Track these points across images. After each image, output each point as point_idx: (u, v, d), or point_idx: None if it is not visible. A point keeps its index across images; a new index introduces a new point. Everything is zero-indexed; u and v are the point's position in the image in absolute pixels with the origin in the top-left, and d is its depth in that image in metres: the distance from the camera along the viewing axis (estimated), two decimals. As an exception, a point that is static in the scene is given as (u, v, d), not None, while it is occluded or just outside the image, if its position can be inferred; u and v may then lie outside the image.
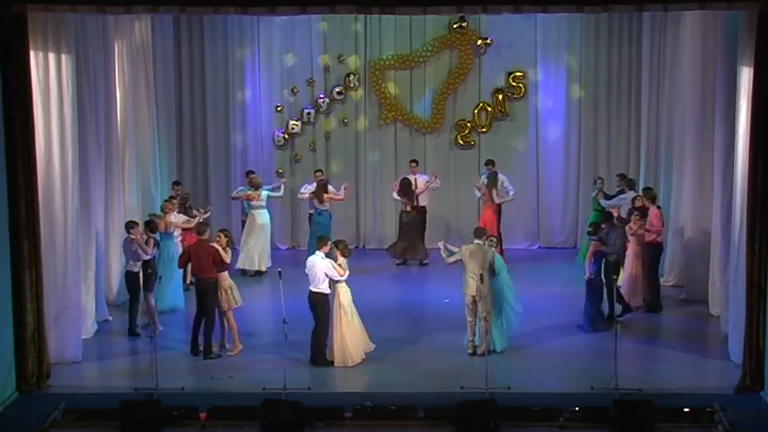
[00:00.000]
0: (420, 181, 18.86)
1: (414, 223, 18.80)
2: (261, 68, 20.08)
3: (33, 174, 12.18)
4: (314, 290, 13.21)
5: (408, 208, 18.77)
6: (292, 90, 20.14)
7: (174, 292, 15.62)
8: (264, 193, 17.96)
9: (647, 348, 13.91)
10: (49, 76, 12.53)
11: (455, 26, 19.81)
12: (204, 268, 13.68)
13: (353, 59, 20.05)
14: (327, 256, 13.27)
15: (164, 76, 18.67)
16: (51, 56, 12.52)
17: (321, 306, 13.20)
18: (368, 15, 19.23)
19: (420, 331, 14.51)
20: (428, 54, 20.03)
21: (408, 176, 18.85)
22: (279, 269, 13.37)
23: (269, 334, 14.06)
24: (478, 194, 18.73)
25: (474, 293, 13.26)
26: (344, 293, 13.23)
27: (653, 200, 15.96)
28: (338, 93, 20.08)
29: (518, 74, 19.95)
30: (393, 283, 17.86)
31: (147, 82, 17.58)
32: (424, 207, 18.98)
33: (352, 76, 20.03)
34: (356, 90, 20.13)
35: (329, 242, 13.57)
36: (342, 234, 19.47)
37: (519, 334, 13.91)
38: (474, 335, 13.43)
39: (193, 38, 19.89)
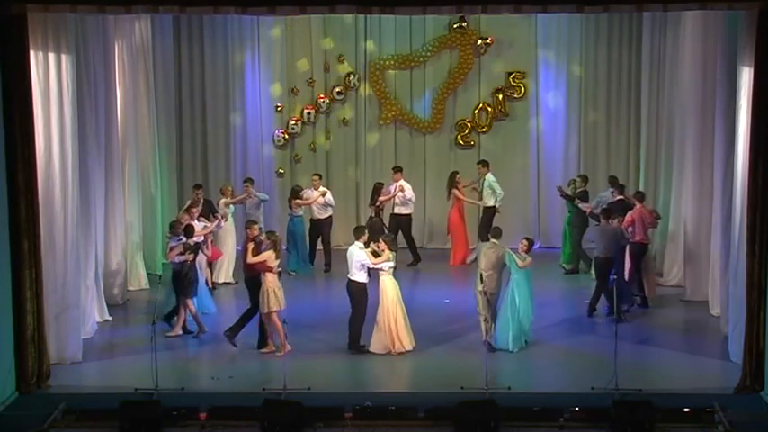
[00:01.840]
0: (406, 189, 18.54)
1: (370, 230, 18.51)
2: (261, 68, 20.07)
3: (33, 174, 12.17)
4: (350, 278, 13.49)
5: (372, 213, 18.61)
6: (292, 90, 20.15)
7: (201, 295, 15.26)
8: (222, 201, 17.43)
9: (647, 348, 13.90)
10: (49, 76, 12.52)
11: (455, 26, 19.81)
12: (243, 266, 13.92)
13: (353, 59, 20.05)
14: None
15: (164, 76, 18.67)
16: (51, 56, 12.51)
17: (358, 294, 13.47)
18: (368, 15, 19.23)
19: (420, 331, 14.47)
20: (428, 54, 20.03)
21: (392, 184, 18.62)
22: (279, 269, 13.41)
23: (269, 334, 14.04)
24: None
25: (479, 289, 13.44)
26: (388, 286, 13.47)
27: (640, 199, 16.17)
28: (338, 93, 20.07)
29: (518, 74, 19.96)
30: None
31: (147, 82, 17.58)
32: (398, 216, 18.55)
33: (352, 76, 20.03)
34: (356, 90, 20.14)
35: (366, 232, 13.85)
36: (342, 233, 19.55)
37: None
38: (487, 331, 13.46)
39: (193, 38, 19.87)
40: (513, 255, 13.69)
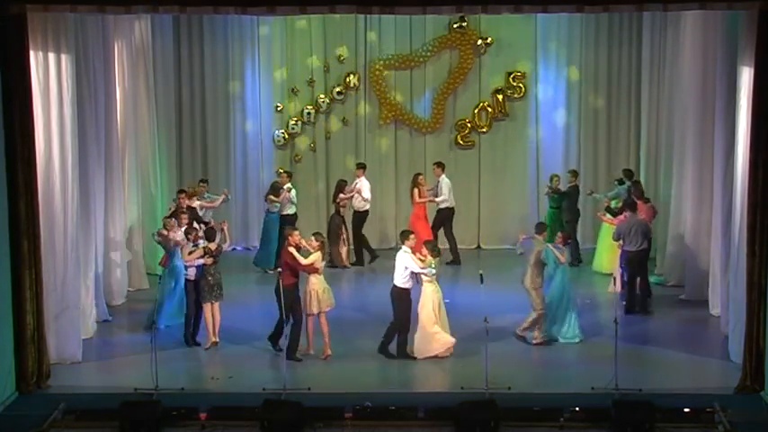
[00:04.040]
0: (362, 187, 18.48)
1: (329, 227, 18.41)
2: (261, 68, 20.07)
3: (33, 174, 12.17)
4: (395, 283, 13.33)
5: (333, 210, 18.53)
6: (292, 90, 20.15)
7: (179, 304, 14.83)
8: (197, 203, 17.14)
9: (648, 349, 13.90)
10: (48, 76, 12.52)
11: (455, 26, 19.81)
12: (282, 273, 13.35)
13: (353, 59, 20.05)
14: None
15: (164, 76, 18.67)
16: (51, 56, 12.51)
17: (399, 300, 13.30)
18: (368, 15, 19.23)
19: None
20: (428, 54, 20.03)
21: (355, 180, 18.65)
22: (279, 269, 13.39)
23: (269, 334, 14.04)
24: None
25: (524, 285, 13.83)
26: (429, 293, 13.30)
27: (640, 194, 16.39)
28: (338, 93, 20.08)
29: (518, 74, 19.95)
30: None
31: (147, 82, 17.58)
32: (357, 212, 18.51)
33: (352, 76, 20.03)
34: (356, 90, 20.13)
35: (411, 236, 13.59)
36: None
37: (519, 334, 13.95)
38: (534, 325, 13.84)
39: (193, 38, 19.88)
40: (554, 250, 13.84)
